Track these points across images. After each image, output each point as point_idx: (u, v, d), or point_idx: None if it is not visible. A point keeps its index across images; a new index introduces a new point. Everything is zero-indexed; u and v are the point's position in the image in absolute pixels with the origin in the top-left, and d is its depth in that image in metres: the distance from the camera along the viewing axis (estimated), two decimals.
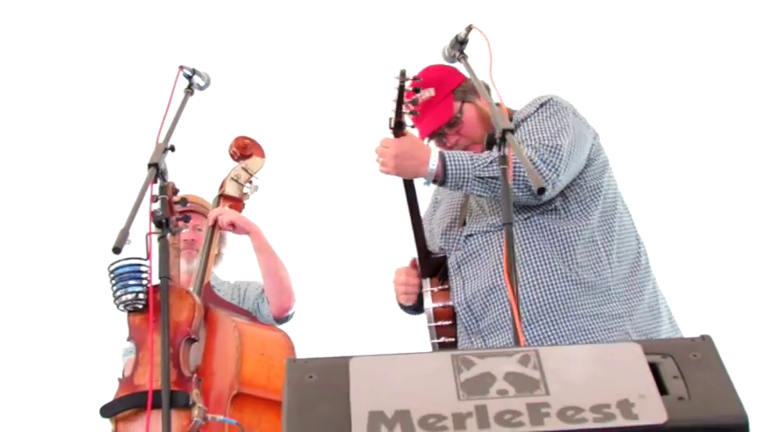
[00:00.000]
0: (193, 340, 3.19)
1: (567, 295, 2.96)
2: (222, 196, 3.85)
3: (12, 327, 6.35)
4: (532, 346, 2.84)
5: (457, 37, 3.03)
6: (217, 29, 5.28)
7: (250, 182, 3.90)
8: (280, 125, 5.45)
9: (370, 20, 5.22)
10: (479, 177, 2.92)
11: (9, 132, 5.60)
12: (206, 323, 3.30)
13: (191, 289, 3.52)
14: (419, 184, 3.15)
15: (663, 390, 1.67)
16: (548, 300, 2.96)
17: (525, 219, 3.04)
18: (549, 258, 2.99)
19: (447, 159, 2.94)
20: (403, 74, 3.01)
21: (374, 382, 1.71)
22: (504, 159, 2.53)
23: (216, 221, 3.72)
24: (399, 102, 3.03)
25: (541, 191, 2.42)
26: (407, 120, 3.04)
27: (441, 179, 2.96)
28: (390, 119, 3.03)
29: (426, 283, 3.20)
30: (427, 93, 3.19)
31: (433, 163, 2.94)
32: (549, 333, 2.94)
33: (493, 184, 2.91)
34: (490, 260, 3.06)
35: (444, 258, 3.21)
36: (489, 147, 2.62)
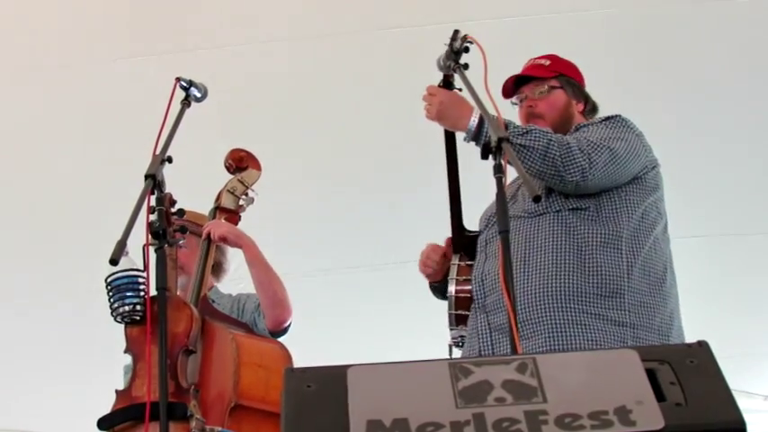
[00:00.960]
0: (191, 351, 3.18)
1: (571, 289, 2.98)
2: (218, 209, 3.86)
3: (11, 336, 6.36)
4: (523, 330, 2.94)
5: (452, 47, 3.05)
6: (214, 39, 5.29)
7: (246, 194, 3.91)
8: (276, 137, 5.46)
9: (370, 30, 5.23)
10: (509, 142, 2.94)
11: (6, 141, 5.60)
12: (203, 335, 3.29)
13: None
14: (461, 156, 3.24)
15: (660, 396, 1.67)
16: (549, 288, 2.99)
17: (556, 212, 3.10)
18: (565, 253, 3.03)
19: (485, 118, 2.97)
20: (456, 33, 3.10)
21: (372, 390, 1.72)
22: (499, 168, 2.53)
23: (209, 235, 3.74)
24: (448, 59, 3.12)
25: (537, 199, 2.44)
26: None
27: (475, 135, 3.01)
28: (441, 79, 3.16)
29: (456, 257, 3.31)
30: (543, 61, 3.38)
31: (474, 120, 3.00)
32: (541, 319, 2.98)
33: (521, 153, 2.95)
34: (513, 243, 3.08)
35: (477, 236, 3.30)
36: (485, 156, 2.63)
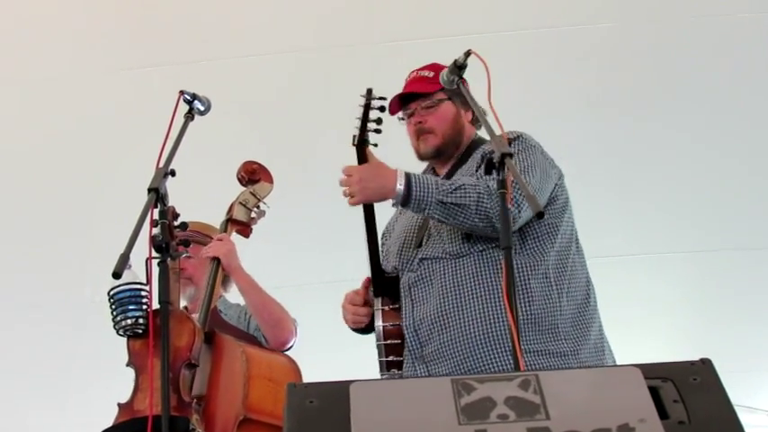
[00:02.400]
0: (194, 365, 3.18)
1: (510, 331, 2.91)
2: (230, 221, 3.86)
3: (13, 348, 6.36)
4: (471, 376, 2.89)
5: (456, 62, 3.03)
6: (221, 52, 5.30)
7: (258, 206, 3.92)
8: (281, 148, 5.46)
9: (375, 43, 5.24)
10: (441, 202, 2.92)
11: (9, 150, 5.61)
12: (213, 348, 3.30)
13: (196, 315, 3.53)
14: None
15: (663, 414, 1.66)
16: (491, 333, 2.93)
17: (480, 251, 3.03)
18: (498, 293, 2.94)
19: (412, 180, 2.94)
20: (369, 92, 3.06)
21: (375, 407, 1.71)
22: (502, 184, 2.52)
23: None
24: (364, 119, 3.09)
25: (540, 215, 2.39)
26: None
27: (404, 200, 2.95)
28: (354, 136, 3.08)
29: (378, 301, 3.19)
30: (426, 73, 3.31)
31: (400, 183, 2.94)
32: (490, 365, 2.91)
33: (454, 211, 2.92)
34: (440, 287, 3.06)
35: (397, 278, 3.20)
36: (488, 171, 2.60)
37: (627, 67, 5.34)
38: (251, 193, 3.92)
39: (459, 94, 3.23)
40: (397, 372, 3.11)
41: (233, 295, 4.12)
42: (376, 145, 3.12)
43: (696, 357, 1.79)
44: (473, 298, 2.99)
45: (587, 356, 2.98)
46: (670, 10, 5.12)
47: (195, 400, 3.09)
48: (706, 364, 1.77)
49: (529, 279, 2.99)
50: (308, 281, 5.92)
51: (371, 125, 3.11)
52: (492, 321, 2.94)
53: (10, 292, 6.14)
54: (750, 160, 5.68)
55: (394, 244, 3.29)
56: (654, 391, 1.70)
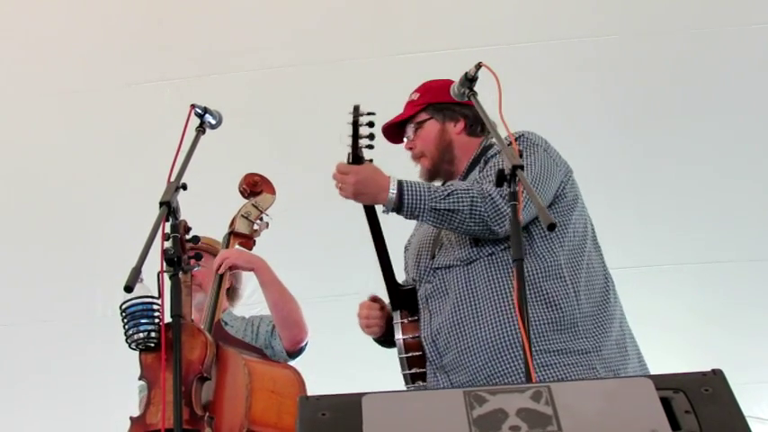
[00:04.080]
0: (206, 378, 3.18)
1: (530, 333, 2.88)
2: (233, 234, 3.85)
3: (26, 363, 6.37)
4: (491, 384, 2.85)
5: (466, 74, 3.04)
6: (228, 64, 5.31)
7: (260, 219, 3.91)
8: (290, 162, 5.47)
9: (385, 56, 5.25)
10: (434, 209, 2.93)
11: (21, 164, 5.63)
12: (216, 361, 3.29)
13: (201, 326, 3.53)
14: (381, 213, 3.16)
15: (675, 425, 1.67)
16: (507, 339, 2.92)
17: (489, 255, 3.04)
18: (511, 296, 2.93)
19: (404, 188, 2.96)
20: (356, 109, 3.10)
21: (387, 419, 1.71)
22: (514, 196, 2.52)
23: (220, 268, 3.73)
24: (354, 136, 3.12)
25: (552, 227, 2.38)
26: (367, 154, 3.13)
27: (397, 208, 2.97)
28: (348, 154, 3.11)
29: (397, 315, 3.21)
30: (414, 96, 3.37)
31: (392, 191, 2.96)
32: (509, 371, 2.91)
33: (448, 217, 2.93)
34: (455, 295, 3.06)
35: (413, 290, 3.22)
36: (499, 184, 2.60)
37: (636, 79, 5.34)
38: (253, 205, 3.91)
39: (441, 108, 3.30)
40: (422, 383, 3.12)
41: (238, 310, 4.12)
42: (371, 160, 3.14)
43: (708, 368, 1.79)
44: (487, 304, 2.99)
45: (609, 354, 2.97)
46: (683, 22, 5.12)
47: (207, 414, 3.09)
48: (717, 375, 1.77)
49: (541, 281, 2.98)
50: (314, 294, 5.91)
51: (364, 141, 3.14)
52: (507, 327, 2.93)
53: (21, 306, 6.15)
54: (765, 171, 5.67)
55: (411, 257, 3.31)
56: (666, 402, 1.70)
